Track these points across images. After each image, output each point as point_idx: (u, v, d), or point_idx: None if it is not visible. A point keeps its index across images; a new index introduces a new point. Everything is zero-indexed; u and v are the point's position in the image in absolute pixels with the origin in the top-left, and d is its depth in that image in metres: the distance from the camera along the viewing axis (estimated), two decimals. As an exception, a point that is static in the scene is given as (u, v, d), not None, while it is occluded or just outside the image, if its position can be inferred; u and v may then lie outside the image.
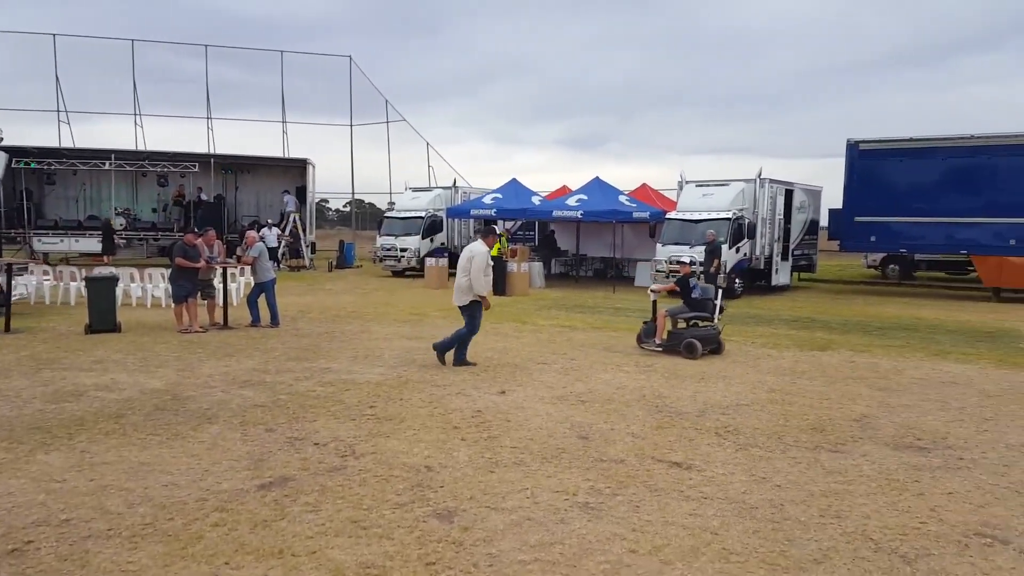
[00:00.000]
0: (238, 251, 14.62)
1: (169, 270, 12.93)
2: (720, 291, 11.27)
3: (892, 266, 25.23)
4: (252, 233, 14.09)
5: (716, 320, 10.75)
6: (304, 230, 28.92)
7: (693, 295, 10.86)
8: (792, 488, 5.13)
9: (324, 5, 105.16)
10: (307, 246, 29.12)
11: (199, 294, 12.43)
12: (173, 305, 12.39)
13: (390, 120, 38.05)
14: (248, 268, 14.07)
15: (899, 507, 4.81)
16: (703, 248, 17.95)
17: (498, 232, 21.03)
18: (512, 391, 8.04)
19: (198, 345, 10.85)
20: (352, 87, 37.44)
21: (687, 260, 11.71)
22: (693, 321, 10.73)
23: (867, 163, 20.22)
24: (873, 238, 20.73)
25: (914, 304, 18.30)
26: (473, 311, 9.34)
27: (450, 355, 9.45)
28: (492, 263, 9.60)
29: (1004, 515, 4.67)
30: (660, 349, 10.49)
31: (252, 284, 13.58)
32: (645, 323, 11.02)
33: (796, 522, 4.54)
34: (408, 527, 4.44)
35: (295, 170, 30.72)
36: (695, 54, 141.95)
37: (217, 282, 13.56)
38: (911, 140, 19.82)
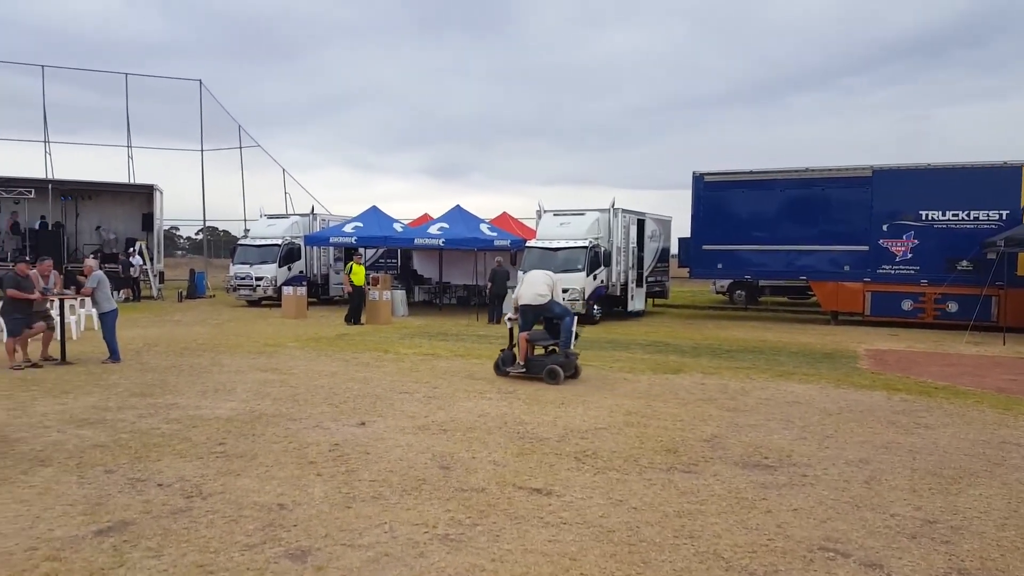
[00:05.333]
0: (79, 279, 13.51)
1: (0, 302, 11.82)
2: (575, 318, 11.23)
3: (739, 292, 26.97)
4: (90, 262, 13.07)
5: (572, 346, 10.74)
6: (152, 259, 27.27)
7: (554, 321, 10.96)
8: (647, 510, 5.25)
9: (173, 28, 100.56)
10: (155, 275, 27.45)
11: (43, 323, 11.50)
12: (5, 340, 11.34)
13: (243, 146, 36.76)
14: (89, 300, 13.06)
15: (748, 525, 5.01)
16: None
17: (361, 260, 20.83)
18: (372, 422, 7.82)
19: (32, 382, 9.93)
20: (203, 111, 35.88)
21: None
22: (552, 346, 10.82)
23: (712, 194, 21.51)
24: (720, 265, 22.01)
25: (759, 327, 19.57)
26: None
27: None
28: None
29: (845, 529, 4.95)
30: (524, 371, 10.53)
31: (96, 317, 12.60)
32: (503, 351, 11.06)
33: (651, 544, 4.64)
34: (258, 569, 4.17)
35: (141, 196, 29.04)
36: (547, 87, 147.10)
37: (55, 314, 12.49)
38: (752, 172, 21.29)
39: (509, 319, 11.29)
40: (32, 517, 4.93)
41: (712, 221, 21.44)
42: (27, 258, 12.47)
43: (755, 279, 24.42)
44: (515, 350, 10.84)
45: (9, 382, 9.97)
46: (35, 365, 11.20)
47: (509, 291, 21.86)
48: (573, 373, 10.62)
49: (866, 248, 19.63)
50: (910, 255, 19.19)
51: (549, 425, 7.79)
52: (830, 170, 20.31)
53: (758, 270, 22.04)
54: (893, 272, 19.39)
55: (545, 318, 10.98)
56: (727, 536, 4.78)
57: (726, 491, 5.71)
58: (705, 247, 21.65)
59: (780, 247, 20.76)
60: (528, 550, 4.50)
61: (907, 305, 19.31)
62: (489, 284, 21.22)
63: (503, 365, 10.84)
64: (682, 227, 24.40)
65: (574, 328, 10.78)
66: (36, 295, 11.37)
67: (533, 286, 10.80)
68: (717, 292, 29.20)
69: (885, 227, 19.39)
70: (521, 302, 10.92)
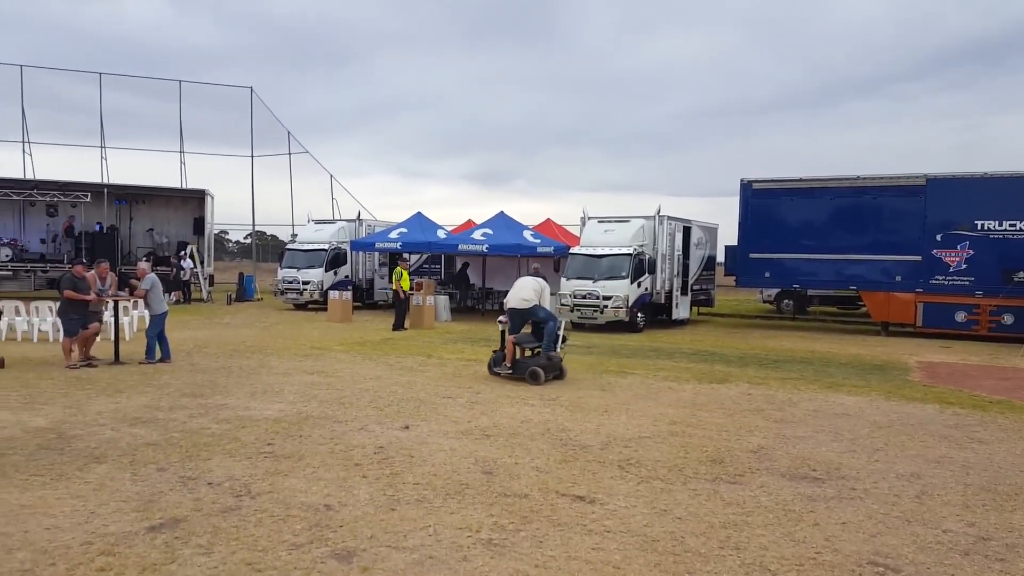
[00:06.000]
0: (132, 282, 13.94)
1: (58, 303, 12.25)
2: (563, 322, 11.70)
3: (786, 301, 26.44)
4: (143, 265, 13.45)
5: (559, 349, 11.18)
6: (202, 262, 27.95)
7: (540, 325, 11.39)
8: (692, 520, 5.20)
9: (225, 36, 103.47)
10: (205, 279, 28.12)
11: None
12: (62, 339, 11.74)
13: (292, 152, 37.55)
14: (142, 301, 13.46)
15: (795, 537, 4.92)
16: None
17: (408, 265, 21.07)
18: (416, 426, 7.89)
19: (87, 381, 10.26)
20: (253, 118, 36.73)
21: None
22: (537, 348, 11.26)
23: (760, 202, 21.19)
24: (767, 274, 21.64)
25: (808, 338, 19.18)
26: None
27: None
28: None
29: (895, 544, 4.84)
30: (511, 372, 11.09)
31: (148, 318, 12.97)
32: (495, 352, 11.63)
33: (696, 554, 4.59)
34: (305, 569, 4.24)
35: (193, 201, 29.84)
36: (594, 94, 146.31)
37: (108, 316, 12.88)
38: (801, 180, 20.91)
39: (501, 322, 11.74)
40: (88, 512, 5.09)
41: (760, 229, 21.13)
42: (84, 260, 12.81)
43: (803, 288, 23.93)
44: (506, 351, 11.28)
45: (66, 381, 10.31)
46: (90, 364, 11.56)
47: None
48: (559, 374, 11.11)
49: (919, 258, 19.13)
50: (964, 266, 18.64)
51: (592, 433, 7.76)
52: (882, 178, 19.84)
53: (807, 279, 21.62)
54: (946, 283, 18.85)
55: (533, 322, 11.45)
56: (774, 548, 4.71)
57: (773, 503, 5.62)
58: (752, 255, 21.33)
59: (830, 256, 20.35)
60: (572, 557, 4.49)
61: (961, 317, 18.74)
62: None
63: (494, 366, 11.39)
64: (729, 235, 24.10)
65: (561, 332, 11.27)
66: (92, 296, 11.73)
67: (519, 291, 11.46)
68: (764, 301, 28.73)
69: (939, 237, 18.87)
70: (508, 306, 11.55)
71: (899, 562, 4.54)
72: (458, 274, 26.79)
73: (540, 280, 11.79)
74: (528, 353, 11.32)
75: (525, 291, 11.35)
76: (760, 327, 22.68)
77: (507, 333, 11.37)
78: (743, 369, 12.83)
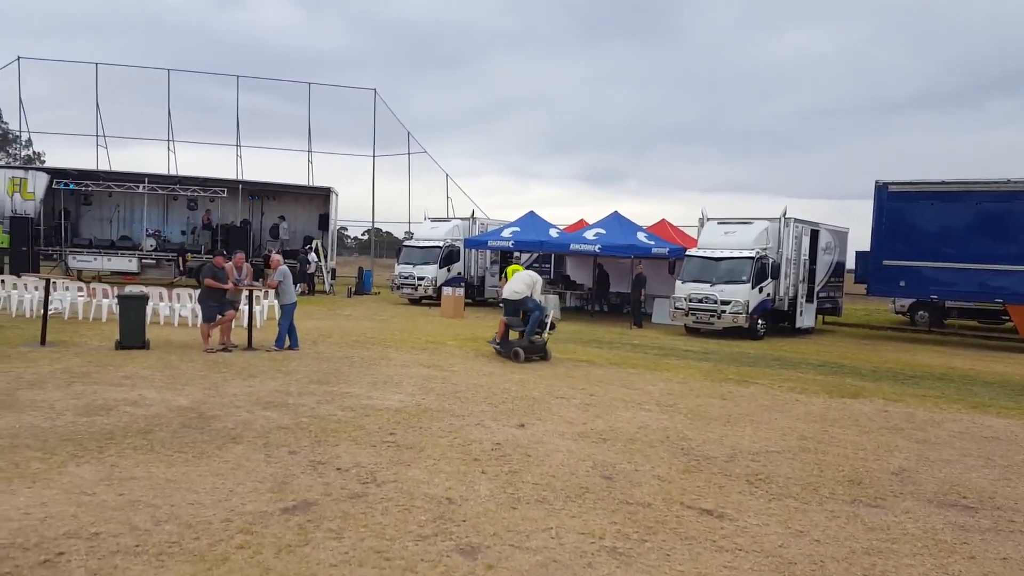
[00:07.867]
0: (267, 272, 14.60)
1: (197, 291, 13.03)
2: (551, 312, 13.27)
3: (921, 312, 24.66)
4: (276, 256, 14.11)
5: (546, 334, 12.94)
6: (326, 256, 29.10)
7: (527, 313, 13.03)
8: (832, 544, 4.87)
9: (350, 40, 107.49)
10: (328, 272, 29.26)
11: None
12: (200, 325, 12.47)
13: (411, 152, 38.34)
14: (273, 291, 14.13)
15: (949, 571, 4.52)
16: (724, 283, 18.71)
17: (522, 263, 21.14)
18: (531, 425, 7.84)
19: (223, 365, 10.86)
20: (376, 119, 37.85)
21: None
22: (522, 331, 12.88)
23: (896, 205, 19.85)
24: (902, 283, 20.24)
25: (946, 353, 17.81)
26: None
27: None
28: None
29: (1062, 583, 4.38)
30: (499, 347, 13.01)
31: (278, 307, 13.58)
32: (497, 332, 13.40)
33: (838, 579, 4.29)
34: (432, 561, 4.26)
35: (319, 198, 31.09)
36: (711, 91, 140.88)
37: (244, 304, 13.59)
38: (943, 183, 19.45)
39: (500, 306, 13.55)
40: (226, 490, 5.33)
41: (895, 234, 19.77)
42: (223, 251, 13.58)
43: (941, 300, 22.25)
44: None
45: (204, 364, 10.93)
46: (225, 349, 12.22)
47: (647, 298, 21.69)
48: (543, 356, 12.80)
49: (1077, 270, 17.39)
50: None
51: (715, 443, 7.46)
52: (1038, 182, 18.17)
53: (945, 290, 20.08)
54: (1111, 298, 17.04)
55: (523, 310, 13.01)
56: (926, 581, 4.33)
57: (920, 530, 5.19)
58: (886, 262, 19.98)
59: (973, 266, 18.79)
60: (702, 573, 4.29)
61: None
62: (641, 291, 21.46)
63: (491, 342, 13.43)
64: (859, 240, 22.74)
65: (548, 320, 12.99)
66: (230, 285, 12.41)
67: (513, 284, 13.34)
68: (897, 312, 26.91)
69: (1101, 247, 17.10)
70: (503, 295, 13.55)
71: (1076, 608, 4.07)
72: (597, 278, 25.77)
73: (533, 275, 13.64)
74: (517, 335, 13.04)
75: (518, 284, 13.21)
76: (892, 339, 21.31)
77: (503, 316, 13.20)
78: (877, 384, 12.05)
